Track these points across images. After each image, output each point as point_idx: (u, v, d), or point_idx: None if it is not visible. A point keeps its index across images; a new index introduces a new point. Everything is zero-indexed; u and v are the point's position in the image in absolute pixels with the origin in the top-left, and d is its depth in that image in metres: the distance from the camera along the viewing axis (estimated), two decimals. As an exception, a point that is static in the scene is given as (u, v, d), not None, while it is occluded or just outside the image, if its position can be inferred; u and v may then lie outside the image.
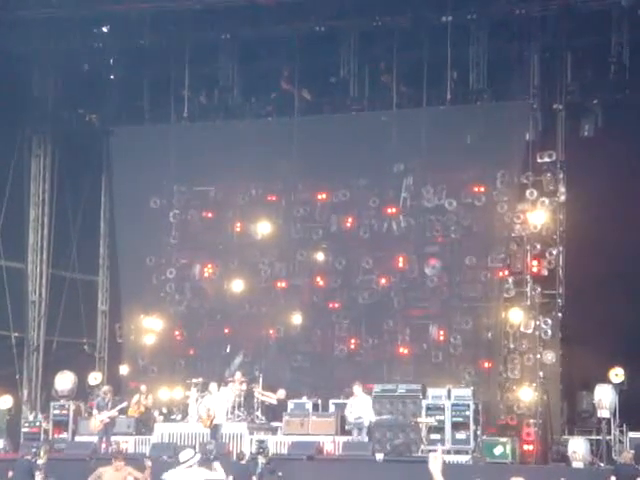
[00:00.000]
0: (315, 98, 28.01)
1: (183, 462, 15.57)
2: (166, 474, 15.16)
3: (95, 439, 23.91)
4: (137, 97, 28.95)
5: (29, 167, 29.19)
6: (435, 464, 8.57)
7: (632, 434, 22.51)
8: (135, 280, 28.34)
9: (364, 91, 27.53)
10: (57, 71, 28.83)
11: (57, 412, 25.99)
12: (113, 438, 23.84)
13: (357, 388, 23.63)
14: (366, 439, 23.46)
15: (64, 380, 26.75)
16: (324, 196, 28.10)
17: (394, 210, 27.39)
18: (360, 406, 23.47)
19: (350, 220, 27.81)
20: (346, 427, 23.65)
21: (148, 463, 17.89)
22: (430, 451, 21.84)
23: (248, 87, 28.34)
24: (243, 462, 20.76)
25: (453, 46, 25.67)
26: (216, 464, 17.70)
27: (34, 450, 20.14)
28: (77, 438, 25.17)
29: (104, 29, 27.52)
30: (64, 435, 25.64)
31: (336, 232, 27.88)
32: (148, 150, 27.90)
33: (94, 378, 27.35)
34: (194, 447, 21.83)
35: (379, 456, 22.80)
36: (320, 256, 27.72)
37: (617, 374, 23.24)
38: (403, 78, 26.82)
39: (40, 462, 19.47)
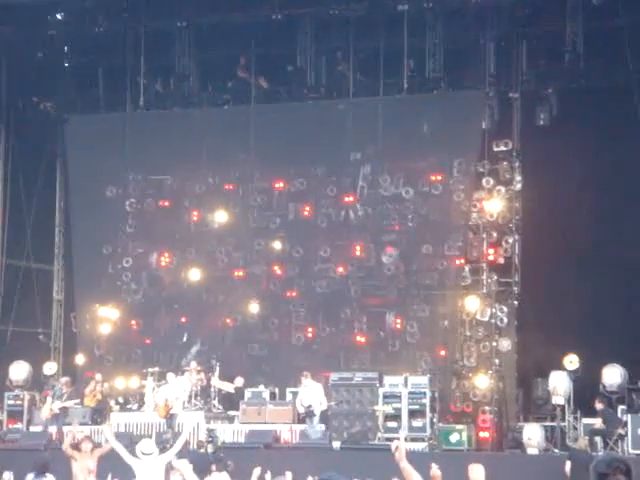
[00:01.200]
0: (272, 86, 27.92)
1: (148, 454, 15.49)
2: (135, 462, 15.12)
3: (50, 429, 23.77)
4: (92, 85, 28.74)
5: (-18, 156, 28.89)
6: (398, 452, 8.63)
7: (586, 420, 22.73)
8: (91, 269, 28.17)
9: (321, 79, 27.52)
10: (11, 58, 28.45)
11: (11, 402, 25.76)
12: (68, 428, 23.69)
13: (305, 379, 23.67)
14: (319, 427, 23.50)
15: (19, 370, 26.53)
16: (281, 185, 28.05)
17: (351, 199, 27.42)
18: (310, 395, 23.52)
19: (307, 209, 27.78)
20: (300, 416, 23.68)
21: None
22: (390, 439, 22.05)
23: (204, 75, 28.22)
24: (202, 451, 20.71)
25: (409, 35, 25.74)
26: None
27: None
28: (32, 428, 25.01)
29: (58, 16, 27.25)
30: (18, 425, 25.45)
31: (293, 221, 27.85)
32: (103, 138, 27.67)
33: (49, 368, 27.16)
34: (150, 437, 21.83)
35: (336, 444, 22.87)
36: (277, 245, 27.68)
37: (571, 361, 23.41)
38: (360, 67, 26.84)
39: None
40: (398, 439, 9.24)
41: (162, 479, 15.38)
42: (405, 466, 8.59)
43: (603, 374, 23.08)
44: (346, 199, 27.46)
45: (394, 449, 8.74)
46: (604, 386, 22.99)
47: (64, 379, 24.83)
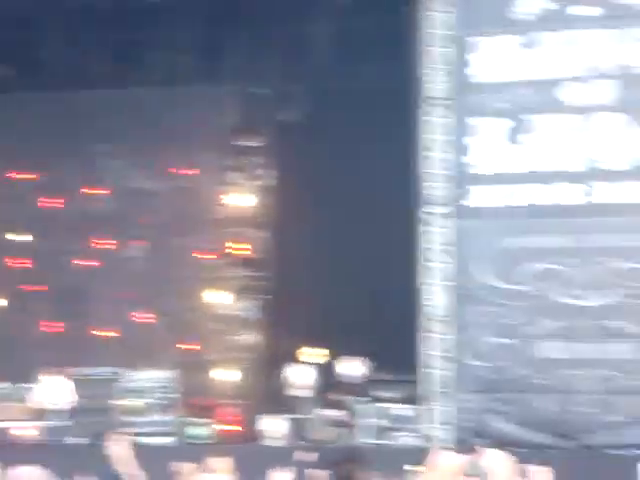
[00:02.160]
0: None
1: None
2: None
3: None
4: None
5: None
6: (118, 448, 8.18)
7: (325, 412, 23.13)
8: None
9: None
10: None
11: None
12: None
13: (45, 376, 23.10)
14: (65, 423, 23.01)
15: None
16: (31, 176, 27.31)
17: (101, 192, 27.08)
18: (50, 391, 22.98)
19: (56, 201, 27.17)
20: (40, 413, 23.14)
21: None
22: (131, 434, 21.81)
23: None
24: None
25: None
26: None
27: None
28: None
29: None
30: None
31: (41, 213, 27.17)
32: None
33: None
34: None
35: (77, 440, 22.41)
36: (22, 237, 26.99)
37: (314, 354, 23.86)
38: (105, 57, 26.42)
39: None
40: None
41: None
42: None
43: (343, 366, 23.58)
44: (95, 192, 27.09)
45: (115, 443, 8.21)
46: (344, 378, 23.50)
47: None
